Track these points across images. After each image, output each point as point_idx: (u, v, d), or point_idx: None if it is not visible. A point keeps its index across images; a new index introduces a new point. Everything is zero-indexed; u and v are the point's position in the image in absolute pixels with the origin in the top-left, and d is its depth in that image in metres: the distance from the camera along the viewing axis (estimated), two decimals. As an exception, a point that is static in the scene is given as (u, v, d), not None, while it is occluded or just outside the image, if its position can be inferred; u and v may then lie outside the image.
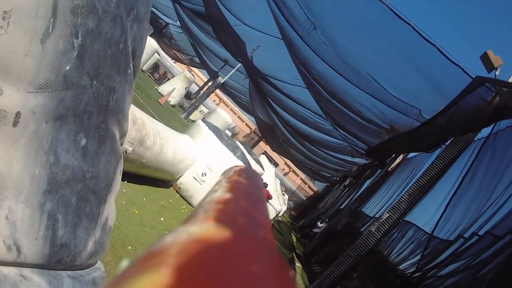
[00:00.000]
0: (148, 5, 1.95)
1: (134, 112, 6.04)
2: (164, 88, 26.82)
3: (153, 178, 8.36)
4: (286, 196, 26.14)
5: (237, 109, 46.36)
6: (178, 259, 0.28)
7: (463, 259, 7.81)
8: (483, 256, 7.39)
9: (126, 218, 5.97)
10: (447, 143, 8.86)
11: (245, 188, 0.60)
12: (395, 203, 8.80)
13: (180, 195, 9.82)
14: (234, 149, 10.06)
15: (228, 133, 26.59)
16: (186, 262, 0.28)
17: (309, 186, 51.64)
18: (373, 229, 8.78)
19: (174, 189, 9.86)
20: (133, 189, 7.26)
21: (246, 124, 52.42)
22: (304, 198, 43.55)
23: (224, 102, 50.70)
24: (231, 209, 0.47)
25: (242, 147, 11.11)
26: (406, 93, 9.24)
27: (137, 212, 6.48)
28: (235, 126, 28.22)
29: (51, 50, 1.25)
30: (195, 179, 9.70)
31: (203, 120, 10.75)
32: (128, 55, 1.72)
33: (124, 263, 0.46)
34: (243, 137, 49.74)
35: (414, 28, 7.72)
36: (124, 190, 6.67)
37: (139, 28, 1.82)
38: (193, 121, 29.55)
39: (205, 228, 0.36)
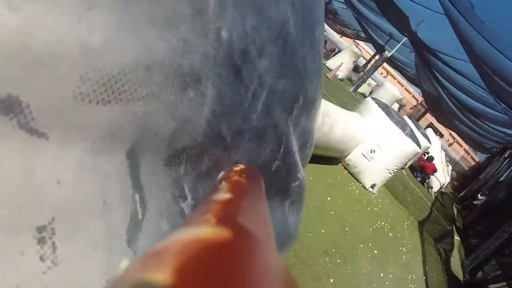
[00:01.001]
0: (319, 81, 1.44)
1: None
2: (331, 63, 27.22)
3: (322, 156, 8.31)
4: (450, 167, 25.65)
5: (404, 81, 45.67)
6: (179, 260, 0.29)
7: None
8: None
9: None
10: None
11: (245, 188, 0.62)
12: None
13: (348, 171, 9.82)
14: (403, 126, 9.87)
15: (396, 105, 26.31)
16: (186, 263, 0.29)
17: (471, 157, 49.27)
18: None
19: (343, 166, 9.84)
20: (300, 168, 7.71)
21: (413, 96, 51.38)
22: (467, 169, 41.87)
23: (391, 75, 50.02)
24: (231, 209, 0.48)
25: (410, 123, 11.02)
26: None
27: (304, 192, 6.91)
28: (402, 98, 27.97)
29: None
30: (364, 155, 9.54)
31: (372, 97, 10.59)
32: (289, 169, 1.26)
33: (125, 263, 0.53)
34: (410, 109, 48.99)
35: None
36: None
37: (308, 117, 1.35)
38: (362, 94, 29.81)
39: (205, 229, 0.37)
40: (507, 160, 22.30)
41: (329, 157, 8.90)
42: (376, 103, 10.20)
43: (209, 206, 0.48)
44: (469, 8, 10.54)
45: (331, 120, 7.46)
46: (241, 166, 0.76)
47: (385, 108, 10.22)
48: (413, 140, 9.80)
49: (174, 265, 0.28)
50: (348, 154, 9.54)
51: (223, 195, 0.54)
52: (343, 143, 8.49)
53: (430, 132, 20.23)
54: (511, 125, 16.57)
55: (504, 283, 8.96)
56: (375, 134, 9.56)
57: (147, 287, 0.26)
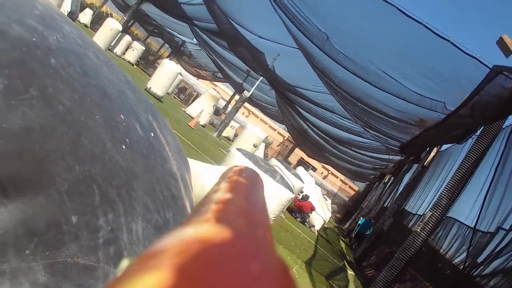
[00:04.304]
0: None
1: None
2: (192, 109, 27.01)
3: None
4: (329, 200, 26.07)
5: (267, 119, 46.51)
6: (178, 260, 0.29)
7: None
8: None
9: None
10: (477, 134, 8.83)
11: (245, 188, 0.61)
12: (436, 200, 8.81)
13: None
14: (273, 174, 9.88)
15: (263, 144, 26.57)
16: (185, 263, 0.29)
17: (349, 186, 51.29)
18: (418, 230, 8.78)
19: None
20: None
21: (278, 133, 52.50)
22: (347, 199, 43.32)
23: (253, 113, 50.94)
24: (231, 209, 0.48)
25: (279, 166, 11.09)
26: (428, 89, 9.32)
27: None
28: (267, 136, 28.24)
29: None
30: None
31: (237, 148, 10.69)
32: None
33: (124, 263, 0.51)
34: (277, 146, 49.69)
35: (426, 27, 7.87)
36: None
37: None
38: (226, 137, 29.84)
39: (205, 229, 0.37)
40: (388, 185, 22.89)
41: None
42: (242, 154, 10.28)
43: (208, 206, 0.47)
44: (324, 39, 10.47)
45: (201, 180, 6.99)
46: (240, 166, 0.75)
47: (252, 157, 10.31)
48: (285, 186, 9.94)
49: (173, 265, 0.29)
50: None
51: (223, 195, 0.53)
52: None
53: (301, 170, 20.51)
54: (384, 149, 16.93)
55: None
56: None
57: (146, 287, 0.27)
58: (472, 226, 9.40)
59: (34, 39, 1.04)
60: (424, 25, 7.76)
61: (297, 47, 14.04)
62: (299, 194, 17.43)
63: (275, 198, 9.69)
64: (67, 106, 1.08)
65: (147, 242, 1.35)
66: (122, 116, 1.39)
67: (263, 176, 9.81)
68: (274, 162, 14.44)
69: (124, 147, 1.33)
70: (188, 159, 6.96)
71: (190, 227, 0.37)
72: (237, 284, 0.27)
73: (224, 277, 0.27)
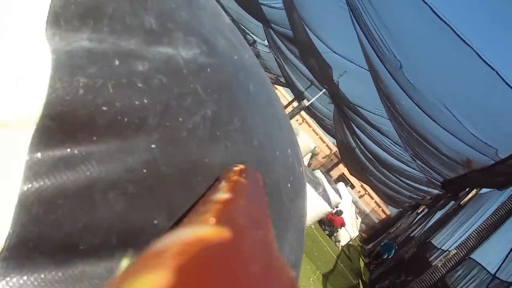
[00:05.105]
0: None
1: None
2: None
3: None
4: (359, 219, 26.14)
5: (319, 130, 46.54)
6: (178, 260, 0.29)
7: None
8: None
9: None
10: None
11: (245, 188, 0.60)
12: (463, 240, 8.98)
13: None
14: (316, 186, 10.04)
15: (309, 154, 26.74)
16: (186, 263, 0.29)
17: (382, 210, 50.92)
18: (439, 265, 8.97)
19: None
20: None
21: (327, 145, 52.39)
22: (377, 221, 43.05)
23: (306, 122, 50.97)
24: (231, 209, 0.47)
25: (322, 179, 11.32)
26: (485, 133, 9.51)
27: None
28: (315, 147, 28.30)
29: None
30: None
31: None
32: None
33: (124, 263, 0.52)
34: (322, 158, 49.79)
35: (498, 74, 7.99)
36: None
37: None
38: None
39: (205, 229, 0.37)
40: (420, 216, 22.90)
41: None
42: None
43: (208, 206, 0.47)
44: (397, 66, 10.78)
45: None
46: (240, 166, 0.73)
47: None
48: (325, 200, 10.01)
49: (173, 266, 0.28)
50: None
51: (223, 195, 0.53)
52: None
53: (341, 185, 20.70)
54: (426, 182, 17.02)
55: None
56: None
57: None
58: (493, 272, 9.51)
59: (235, 57, 0.85)
60: (497, 72, 7.93)
61: (367, 69, 14.20)
62: (333, 209, 17.63)
63: (313, 209, 9.85)
64: (260, 141, 0.91)
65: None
66: (289, 151, 1.12)
67: (307, 187, 9.91)
68: (318, 174, 14.66)
69: (289, 185, 1.09)
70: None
71: (190, 227, 0.39)
72: (237, 285, 0.28)
73: (224, 277, 0.28)
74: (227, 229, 0.35)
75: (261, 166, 0.82)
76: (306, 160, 26.07)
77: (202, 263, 0.29)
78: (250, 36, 32.85)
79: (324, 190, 10.12)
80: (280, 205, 0.89)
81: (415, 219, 23.94)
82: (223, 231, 0.35)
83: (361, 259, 22.43)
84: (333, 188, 13.27)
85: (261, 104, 0.94)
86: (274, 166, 0.90)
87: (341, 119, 22.56)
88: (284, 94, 44.00)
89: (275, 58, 28.10)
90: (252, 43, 33.82)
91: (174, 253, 0.30)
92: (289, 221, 0.93)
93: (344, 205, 18.68)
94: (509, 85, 7.90)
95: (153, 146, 0.60)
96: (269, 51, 28.41)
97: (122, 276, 0.29)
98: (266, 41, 27.35)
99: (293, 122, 38.25)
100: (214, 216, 0.41)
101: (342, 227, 18.83)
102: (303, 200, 1.10)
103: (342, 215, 18.60)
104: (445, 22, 8.30)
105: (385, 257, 19.03)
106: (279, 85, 37.99)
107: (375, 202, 51.64)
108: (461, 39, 8.23)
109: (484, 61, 8.12)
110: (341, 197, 14.57)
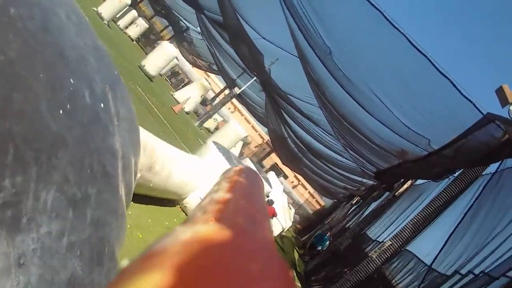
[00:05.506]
0: None
1: (145, 139, 6.08)
2: (180, 95, 26.84)
3: (160, 198, 8.39)
4: (293, 210, 26.10)
5: (251, 118, 46.34)
6: (179, 259, 0.29)
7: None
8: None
9: (130, 244, 5.69)
10: (455, 175, 8.86)
11: (245, 188, 0.61)
12: (398, 231, 8.81)
13: (185, 214, 9.78)
14: None
15: (241, 143, 26.61)
16: (186, 263, 0.29)
17: (316, 201, 51.28)
18: (374, 256, 8.78)
19: (180, 208, 9.81)
20: (138, 210, 7.16)
21: (259, 134, 52.17)
22: (311, 212, 43.38)
23: (238, 111, 50.65)
24: (231, 209, 0.48)
25: (251, 167, 11.04)
26: (417, 122, 9.28)
27: (140, 236, 6.37)
28: (247, 136, 28.17)
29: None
30: (201, 199, 9.70)
31: (214, 141, 10.82)
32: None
33: (125, 263, 0.49)
34: (255, 147, 49.72)
35: (430, 60, 7.71)
36: (129, 212, 6.54)
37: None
38: (207, 129, 29.80)
39: (205, 229, 0.37)
40: (355, 207, 22.97)
41: (167, 200, 8.87)
42: (217, 147, 10.46)
43: (208, 206, 0.48)
44: (327, 52, 10.43)
45: (171, 164, 7.43)
46: (240, 166, 0.74)
47: (226, 153, 10.51)
48: None
49: (173, 265, 0.29)
50: (186, 197, 9.49)
51: (223, 195, 0.53)
52: (181, 187, 8.62)
53: (271, 174, 20.57)
54: (360, 172, 16.94)
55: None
56: (214, 178, 9.11)
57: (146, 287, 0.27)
58: (429, 264, 9.41)
59: None
60: (428, 58, 7.64)
61: (297, 56, 13.94)
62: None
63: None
64: (10, 57, 1.03)
65: (54, 214, 1.28)
66: (71, 80, 1.33)
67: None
68: (247, 162, 14.57)
69: (61, 111, 1.28)
70: (162, 142, 6.97)
71: (190, 227, 0.37)
72: (237, 284, 0.27)
73: (224, 277, 0.28)
74: (227, 229, 0.36)
75: (4, 79, 0.99)
76: (237, 149, 25.82)
77: (202, 263, 0.29)
78: (183, 22, 32.57)
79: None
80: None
81: (349, 210, 24.05)
82: (223, 231, 0.35)
83: (295, 250, 22.35)
84: (262, 177, 12.76)
85: (30, 28, 1.08)
86: (29, 85, 1.08)
87: (273, 107, 22.32)
88: (216, 82, 43.63)
89: (207, 45, 27.73)
90: (185, 30, 33.48)
91: (175, 253, 0.30)
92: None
93: (276, 195, 18.44)
94: (440, 72, 7.68)
95: None
96: (202, 38, 28.21)
97: (123, 276, 0.29)
98: (198, 28, 27.18)
99: (224, 109, 37.92)
100: (214, 216, 0.42)
101: (274, 218, 18.62)
102: None
103: (274, 205, 18.34)
104: (377, 8, 8.00)
105: (319, 249, 19.04)
106: (212, 73, 37.51)
107: (309, 192, 51.90)
108: (392, 25, 7.93)
109: (415, 47, 7.81)
110: (271, 186, 14.34)
